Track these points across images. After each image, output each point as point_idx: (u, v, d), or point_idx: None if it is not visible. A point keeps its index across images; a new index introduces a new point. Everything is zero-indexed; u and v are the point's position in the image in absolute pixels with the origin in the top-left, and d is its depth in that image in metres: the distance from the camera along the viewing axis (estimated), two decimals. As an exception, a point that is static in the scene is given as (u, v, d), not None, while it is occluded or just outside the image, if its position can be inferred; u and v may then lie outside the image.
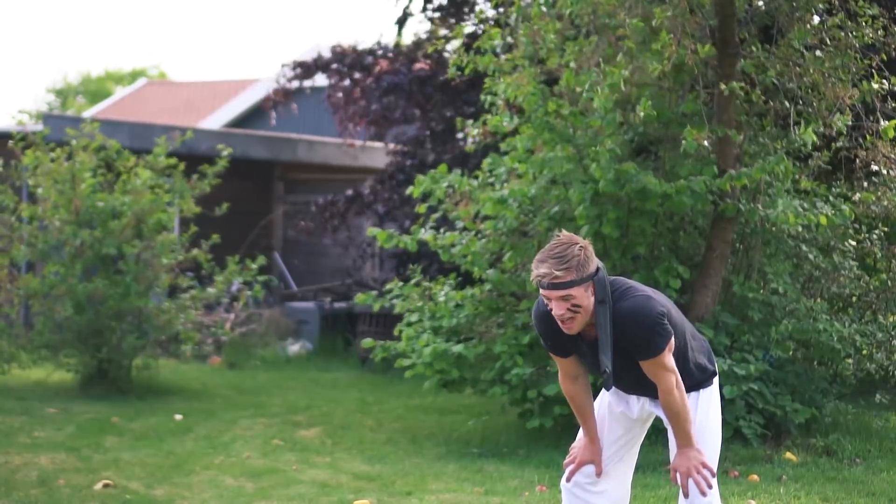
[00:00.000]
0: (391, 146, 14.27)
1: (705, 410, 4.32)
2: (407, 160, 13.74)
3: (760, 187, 7.98)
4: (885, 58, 7.80)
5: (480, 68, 8.55)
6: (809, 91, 7.84)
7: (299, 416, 9.74)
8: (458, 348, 8.19)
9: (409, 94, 13.33)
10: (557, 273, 3.96)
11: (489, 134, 9.07)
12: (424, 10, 13.40)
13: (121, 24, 73.66)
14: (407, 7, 13.36)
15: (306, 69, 14.51)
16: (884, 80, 7.83)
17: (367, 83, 13.98)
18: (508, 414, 9.03)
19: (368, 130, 14.35)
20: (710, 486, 4.17)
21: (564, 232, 4.10)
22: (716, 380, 4.39)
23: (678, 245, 8.34)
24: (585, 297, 4.00)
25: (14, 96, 68.95)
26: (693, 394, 4.31)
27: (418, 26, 13.86)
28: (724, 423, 7.71)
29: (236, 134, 17.68)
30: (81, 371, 10.76)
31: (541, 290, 4.05)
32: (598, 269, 4.04)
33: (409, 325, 8.66)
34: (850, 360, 8.60)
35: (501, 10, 9.15)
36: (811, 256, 8.34)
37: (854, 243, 8.55)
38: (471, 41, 10.92)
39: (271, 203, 17.79)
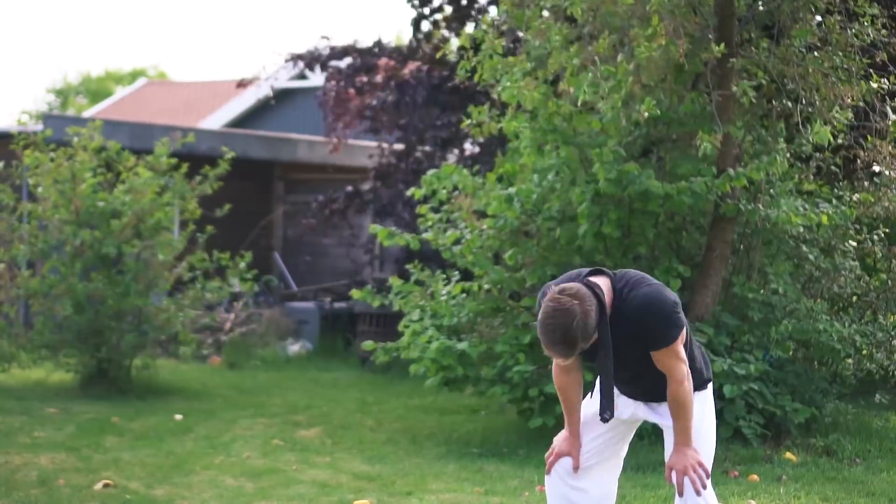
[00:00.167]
0: (387, 145, 14.25)
1: (700, 414, 4.32)
2: (407, 159, 13.72)
3: (761, 187, 7.99)
4: (886, 57, 7.80)
5: (486, 76, 8.52)
6: (812, 91, 7.83)
7: (299, 416, 9.74)
8: (462, 345, 8.20)
9: (429, 101, 13.30)
10: (568, 354, 3.99)
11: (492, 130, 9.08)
12: (433, 15, 13.41)
13: (121, 24, 73.69)
14: (420, 8, 13.36)
15: (301, 60, 14.48)
16: (883, 80, 7.83)
17: (369, 82, 13.97)
18: (509, 414, 9.04)
19: (357, 125, 14.29)
20: (704, 487, 4.17)
21: (555, 299, 3.95)
22: (710, 386, 4.40)
23: (679, 245, 8.34)
24: (585, 343, 4.00)
25: (14, 96, 68.97)
26: (698, 393, 4.32)
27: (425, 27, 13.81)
28: (724, 422, 7.78)
29: (236, 134, 17.68)
30: (81, 371, 10.76)
31: (548, 351, 4.02)
32: (598, 302, 3.99)
33: (412, 322, 8.66)
34: (850, 360, 8.60)
35: (503, 17, 9.15)
36: (811, 257, 8.34)
37: (854, 244, 8.55)
38: (477, 45, 10.93)
39: (271, 203, 17.79)
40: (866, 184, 8.69)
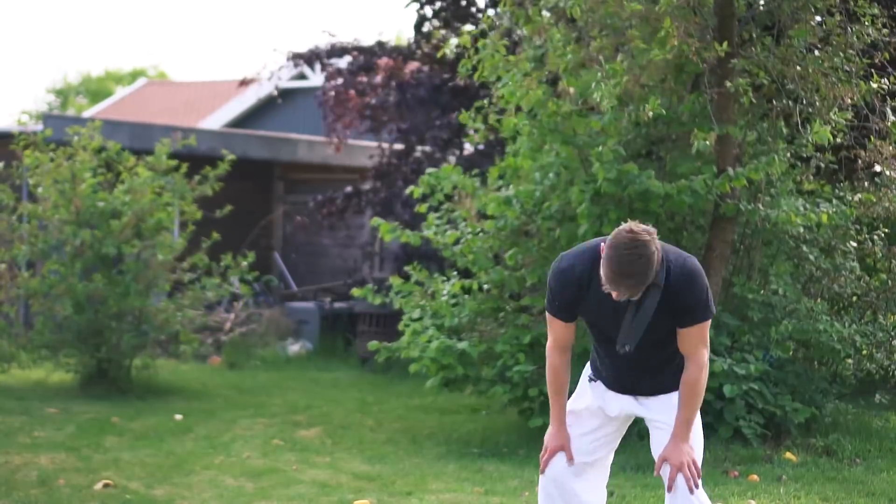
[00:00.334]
0: (387, 145, 14.25)
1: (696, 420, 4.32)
2: (407, 158, 13.72)
3: (761, 187, 7.99)
4: (887, 56, 7.80)
5: (486, 74, 8.53)
6: (812, 91, 7.82)
7: (299, 416, 9.74)
8: (462, 345, 8.20)
9: (429, 101, 13.30)
10: (639, 287, 3.93)
11: (490, 130, 9.08)
12: (435, 15, 13.41)
13: (121, 24, 73.68)
14: (421, 9, 13.36)
15: (302, 58, 14.47)
16: (884, 80, 7.82)
17: (369, 83, 13.97)
18: (509, 414, 9.04)
19: (363, 126, 14.30)
20: (696, 486, 4.16)
21: (632, 231, 3.91)
22: None
23: (679, 245, 8.33)
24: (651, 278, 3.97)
25: (14, 96, 68.97)
26: None
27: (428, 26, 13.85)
28: (724, 422, 7.79)
29: (236, 134, 17.68)
30: (81, 371, 10.76)
31: (613, 287, 3.93)
32: (662, 260, 3.97)
33: (412, 321, 8.66)
34: (850, 360, 8.59)
35: (502, 15, 9.15)
36: (812, 257, 8.33)
37: (855, 244, 8.55)
38: (477, 43, 10.93)
39: (271, 203, 17.78)
40: (866, 184, 8.68)
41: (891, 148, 8.13)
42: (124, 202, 10.61)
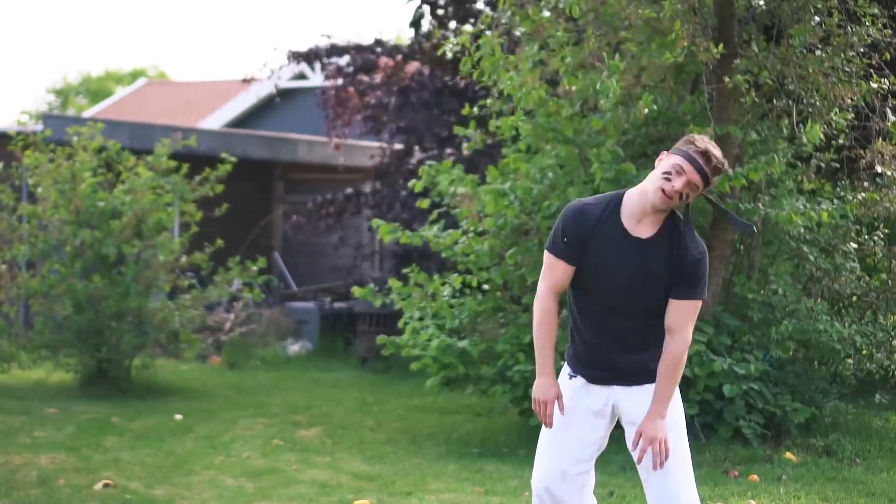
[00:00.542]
0: (386, 145, 14.25)
1: (678, 405, 4.30)
2: (406, 157, 13.72)
3: (761, 187, 7.99)
4: (888, 56, 7.80)
5: (486, 69, 8.53)
6: (812, 91, 7.82)
7: (299, 416, 9.74)
8: (463, 343, 8.20)
9: (432, 104, 13.30)
10: (717, 166, 4.06)
11: (489, 134, 9.09)
12: (434, 11, 13.41)
13: (121, 24, 73.68)
14: (419, 7, 13.36)
15: (301, 57, 14.47)
16: (884, 80, 7.82)
17: (369, 83, 13.97)
18: (509, 414, 9.03)
19: (365, 127, 14.31)
20: (661, 465, 4.13)
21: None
22: None
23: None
24: (694, 198, 4.11)
25: (14, 96, 68.97)
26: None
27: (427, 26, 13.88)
28: (724, 422, 7.80)
29: (236, 134, 17.68)
30: (81, 371, 10.76)
31: (683, 161, 4.05)
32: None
33: (412, 319, 8.66)
34: (850, 360, 8.59)
35: (501, 14, 9.14)
36: (812, 257, 8.33)
37: (855, 245, 8.55)
38: (476, 43, 10.92)
39: (271, 203, 17.79)
40: (866, 184, 8.68)
41: (891, 148, 8.12)
42: (124, 202, 10.61)
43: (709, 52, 7.38)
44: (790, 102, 7.93)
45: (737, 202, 7.82)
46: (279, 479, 7.21)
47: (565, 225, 4.17)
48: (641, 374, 4.23)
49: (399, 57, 14.02)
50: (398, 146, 14.10)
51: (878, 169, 8.26)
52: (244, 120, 22.85)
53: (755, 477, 7.01)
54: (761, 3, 7.96)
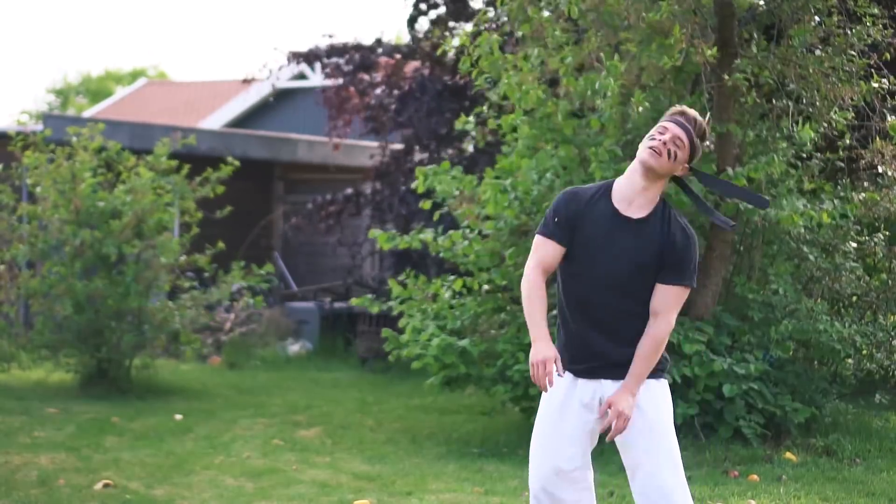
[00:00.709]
0: (387, 146, 14.25)
1: (668, 402, 4.28)
2: (406, 157, 13.73)
3: (761, 187, 7.98)
4: (888, 56, 7.79)
5: (485, 67, 8.53)
6: (812, 91, 7.82)
7: (299, 416, 9.74)
8: (463, 342, 8.21)
9: (433, 107, 13.30)
10: (698, 124, 4.23)
11: (490, 133, 9.09)
12: (429, 11, 13.41)
13: (121, 24, 73.69)
14: (416, 5, 13.36)
15: (301, 57, 14.47)
16: (883, 80, 7.82)
17: (370, 82, 13.97)
18: (509, 414, 9.03)
19: (366, 127, 14.32)
20: (611, 438, 4.17)
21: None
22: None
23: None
24: (682, 159, 4.22)
25: (14, 96, 68.97)
26: (662, 379, 4.28)
27: (422, 26, 13.90)
28: (724, 422, 7.79)
29: (236, 134, 17.68)
30: (81, 371, 10.76)
31: (667, 122, 4.22)
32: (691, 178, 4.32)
33: (412, 318, 8.66)
34: (850, 360, 8.59)
35: (502, 11, 9.14)
36: (812, 257, 8.33)
37: (855, 245, 8.54)
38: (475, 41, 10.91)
39: (271, 203, 17.78)
40: (866, 184, 8.68)
41: (891, 148, 8.12)
42: (125, 202, 10.61)
43: (704, 54, 7.38)
44: (790, 102, 7.93)
45: (737, 202, 7.82)
46: (279, 479, 7.21)
47: (557, 207, 4.25)
48: (628, 367, 4.21)
49: (399, 56, 14.01)
50: (398, 146, 14.10)
51: (879, 169, 8.27)
52: (244, 120, 22.85)
53: (755, 477, 7.01)
54: (761, 3, 7.97)
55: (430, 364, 8.34)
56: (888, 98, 7.99)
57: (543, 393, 4.31)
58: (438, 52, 9.94)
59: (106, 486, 6.92)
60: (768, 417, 7.85)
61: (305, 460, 7.86)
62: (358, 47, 14.28)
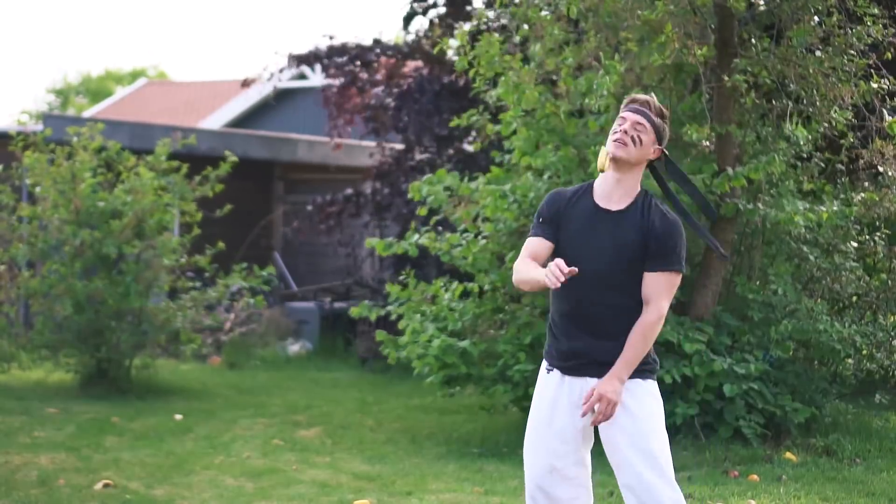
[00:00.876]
0: (386, 144, 14.25)
1: (657, 401, 4.28)
2: (406, 156, 13.73)
3: (761, 187, 7.98)
4: (889, 56, 7.79)
5: (483, 71, 8.54)
6: (812, 91, 7.82)
7: (299, 416, 9.74)
8: (464, 343, 8.21)
9: (431, 107, 13.30)
10: (653, 105, 4.28)
11: (486, 137, 9.10)
12: (426, 12, 13.41)
13: (121, 24, 73.69)
14: (412, 4, 13.36)
15: (302, 60, 14.47)
16: (883, 80, 7.82)
17: (369, 80, 13.98)
18: (509, 414, 9.03)
19: (367, 127, 14.33)
20: (596, 421, 4.17)
21: None
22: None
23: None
24: (649, 142, 4.25)
25: (14, 96, 68.97)
26: (650, 380, 4.28)
27: (419, 25, 13.92)
28: (724, 422, 7.79)
29: (236, 134, 17.68)
30: (81, 371, 10.75)
31: (623, 112, 4.28)
32: (665, 157, 4.37)
33: (412, 320, 8.66)
34: (850, 360, 8.59)
35: (502, 12, 9.15)
36: (812, 257, 8.33)
37: (855, 245, 8.54)
38: (474, 41, 10.90)
39: (271, 203, 17.78)
40: (866, 184, 8.68)
41: (891, 148, 8.12)
42: (125, 202, 10.61)
43: (696, 54, 7.38)
44: (790, 102, 7.92)
45: (736, 202, 7.82)
46: (279, 479, 7.21)
47: (541, 208, 4.36)
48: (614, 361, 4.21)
49: (398, 56, 14.01)
50: (398, 146, 14.10)
51: (879, 169, 8.26)
52: (244, 120, 22.85)
53: (755, 477, 7.01)
54: (761, 3, 7.96)
55: (431, 364, 8.34)
56: (888, 98, 7.99)
57: (535, 392, 4.36)
58: (435, 50, 9.94)
59: (106, 486, 6.92)
60: (768, 417, 7.85)
61: (305, 460, 7.86)
62: (357, 47, 14.28)
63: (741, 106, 7.97)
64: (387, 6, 73.85)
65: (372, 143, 15.40)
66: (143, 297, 10.60)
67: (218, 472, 7.40)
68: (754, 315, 8.03)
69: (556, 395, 4.29)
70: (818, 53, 7.70)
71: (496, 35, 8.62)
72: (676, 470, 4.36)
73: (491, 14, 10.96)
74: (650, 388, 4.27)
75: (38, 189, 10.82)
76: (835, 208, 7.96)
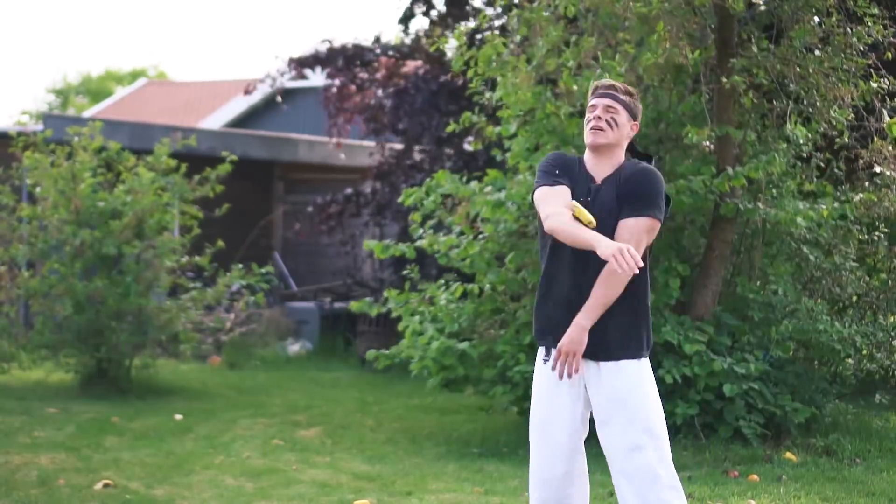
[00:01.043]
0: (388, 145, 14.26)
1: (650, 382, 4.29)
2: (406, 155, 13.73)
3: (762, 187, 7.98)
4: (889, 57, 7.79)
5: (481, 71, 8.54)
6: (812, 91, 7.82)
7: (299, 416, 9.74)
8: (463, 345, 8.20)
9: (428, 106, 13.31)
10: (618, 87, 4.37)
11: (486, 138, 9.11)
12: (427, 12, 13.41)
13: (121, 24, 73.68)
14: (410, 5, 13.36)
15: (302, 63, 14.48)
16: (883, 80, 7.82)
17: (370, 79, 13.99)
18: (509, 414, 9.03)
19: (367, 128, 14.34)
20: (561, 374, 4.18)
21: None
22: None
23: (679, 244, 8.34)
24: (624, 124, 4.34)
25: (14, 96, 68.97)
26: (642, 359, 4.29)
27: (419, 25, 13.98)
28: (724, 422, 7.79)
29: (236, 134, 17.68)
30: (81, 371, 10.76)
31: (592, 101, 4.37)
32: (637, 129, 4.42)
33: (411, 322, 8.66)
34: (850, 361, 8.59)
35: (500, 11, 9.15)
36: (812, 257, 8.33)
37: (855, 245, 8.54)
38: (472, 40, 10.90)
39: (271, 203, 17.78)
40: (866, 184, 8.68)
41: (890, 148, 8.12)
42: (125, 202, 10.61)
43: (688, 55, 7.38)
44: (790, 102, 7.92)
45: (736, 202, 7.81)
46: (279, 479, 7.21)
47: (552, 162, 4.40)
48: (608, 344, 4.23)
49: (398, 56, 14.01)
50: (398, 146, 14.11)
51: (877, 169, 8.26)
52: (244, 120, 22.85)
53: (755, 477, 7.00)
54: (761, 3, 7.96)
55: (429, 366, 8.34)
56: (888, 98, 7.99)
57: (535, 382, 4.42)
58: (432, 48, 9.96)
59: (106, 486, 6.92)
60: (768, 417, 7.85)
61: (305, 460, 7.86)
62: (357, 47, 14.29)
63: (741, 106, 7.97)
64: (387, 6, 73.88)
65: (372, 144, 15.41)
66: (144, 297, 10.60)
67: (218, 472, 7.40)
68: (754, 315, 8.03)
69: (555, 382, 4.32)
70: (818, 53, 7.70)
71: (497, 36, 8.61)
72: (676, 470, 4.35)
73: (490, 12, 10.97)
74: (640, 366, 4.28)
75: (38, 189, 10.82)
76: (834, 208, 7.96)
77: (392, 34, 37.39)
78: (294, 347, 13.68)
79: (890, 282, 8.64)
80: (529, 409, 7.89)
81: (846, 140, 8.12)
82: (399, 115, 13.47)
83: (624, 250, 3.93)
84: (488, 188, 8.50)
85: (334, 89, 14.24)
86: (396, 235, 13.62)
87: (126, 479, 7.12)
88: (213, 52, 75.26)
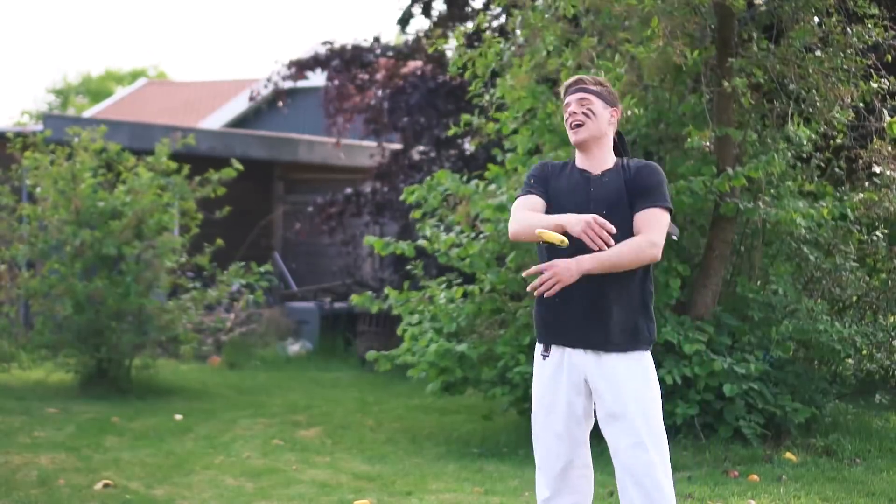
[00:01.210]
0: (387, 146, 14.27)
1: (649, 375, 4.30)
2: (405, 155, 13.74)
3: (761, 187, 7.98)
4: (889, 57, 7.79)
5: (479, 72, 8.55)
6: (812, 91, 7.82)
7: (299, 416, 9.75)
8: (461, 347, 8.20)
9: (426, 105, 13.32)
10: (586, 79, 4.41)
11: (485, 136, 9.11)
12: (427, 13, 13.42)
13: (121, 24, 73.69)
14: (409, 7, 13.37)
15: (302, 66, 14.50)
16: (883, 80, 7.82)
17: (370, 79, 13.99)
18: (509, 414, 9.03)
19: (367, 129, 14.35)
20: (542, 291, 4.20)
21: None
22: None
23: (679, 245, 8.35)
24: (602, 112, 4.37)
25: (14, 96, 68.97)
26: (645, 352, 4.31)
27: (418, 25, 13.99)
28: (724, 422, 7.79)
29: (236, 134, 17.68)
30: (81, 371, 10.76)
31: (565, 100, 4.41)
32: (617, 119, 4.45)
33: (410, 325, 8.66)
34: (850, 361, 8.59)
35: (500, 13, 9.16)
36: (812, 258, 8.33)
37: (855, 245, 8.54)
38: (470, 42, 10.90)
39: (271, 203, 17.78)
40: (866, 184, 8.68)
41: (890, 148, 8.12)
42: (125, 202, 10.62)
43: (686, 56, 7.38)
44: (790, 102, 7.92)
45: (736, 202, 7.82)
46: (279, 479, 7.21)
47: (530, 174, 4.46)
48: (610, 335, 4.25)
49: (398, 57, 14.02)
50: (398, 146, 14.11)
51: (877, 169, 8.26)
52: (244, 120, 22.85)
53: (755, 477, 7.01)
54: (761, 3, 7.96)
55: (427, 370, 8.34)
56: (888, 98, 7.99)
57: (534, 380, 4.48)
58: (430, 49, 9.97)
59: (106, 486, 6.92)
60: (768, 417, 7.85)
61: (305, 460, 7.86)
62: (356, 48, 14.30)
63: (741, 106, 7.98)
64: (387, 6, 73.88)
65: (372, 144, 15.41)
66: (144, 298, 10.60)
67: (218, 472, 7.40)
68: (754, 315, 8.03)
69: (556, 379, 4.36)
70: (818, 53, 7.70)
71: (497, 37, 8.61)
72: (676, 469, 4.37)
73: (490, 12, 10.97)
74: (643, 360, 4.30)
75: (38, 189, 10.82)
76: (833, 207, 7.96)
77: (392, 35, 37.48)
78: (294, 347, 13.69)
79: (890, 282, 8.64)
80: (529, 409, 7.93)
81: (845, 140, 8.12)
82: (396, 113, 13.48)
83: (591, 222, 4.06)
84: (492, 186, 8.51)
85: (334, 89, 14.24)
86: (396, 235, 13.63)
87: (126, 479, 7.12)
88: (213, 52, 75.29)
